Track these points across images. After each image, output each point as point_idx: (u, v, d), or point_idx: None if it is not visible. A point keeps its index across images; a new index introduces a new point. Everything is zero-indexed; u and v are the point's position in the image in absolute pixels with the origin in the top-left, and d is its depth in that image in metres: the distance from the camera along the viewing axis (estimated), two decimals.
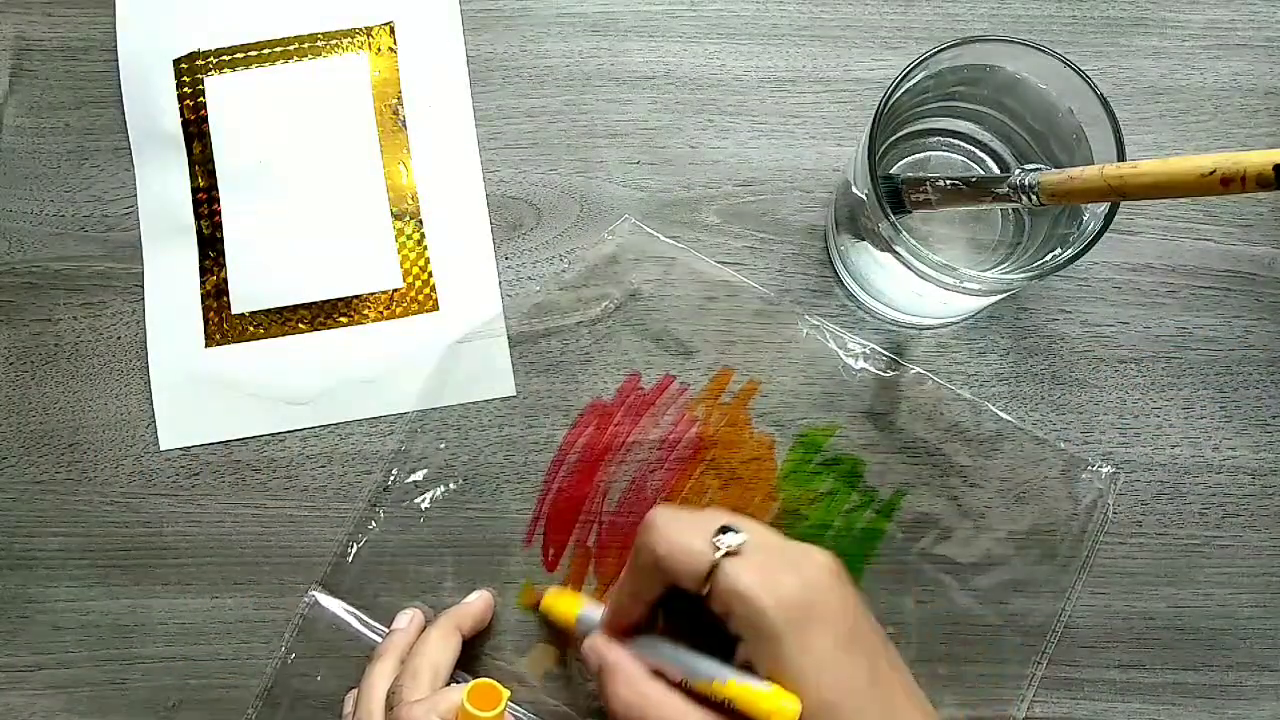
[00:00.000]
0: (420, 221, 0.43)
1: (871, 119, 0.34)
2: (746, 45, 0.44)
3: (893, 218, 0.33)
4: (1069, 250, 0.33)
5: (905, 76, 0.34)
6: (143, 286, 0.43)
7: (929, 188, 0.35)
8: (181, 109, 0.43)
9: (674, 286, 0.43)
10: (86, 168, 0.44)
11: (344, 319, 0.43)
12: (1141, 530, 0.42)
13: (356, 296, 0.43)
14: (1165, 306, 0.43)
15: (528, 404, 0.42)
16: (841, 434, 0.42)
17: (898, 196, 0.36)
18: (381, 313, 0.43)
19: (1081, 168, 0.31)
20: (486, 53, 0.44)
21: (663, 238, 0.43)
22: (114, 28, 0.44)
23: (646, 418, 0.42)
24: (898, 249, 0.34)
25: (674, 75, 0.44)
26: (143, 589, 0.42)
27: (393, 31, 0.44)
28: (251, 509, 0.42)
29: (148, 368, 0.43)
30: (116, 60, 0.44)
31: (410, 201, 0.43)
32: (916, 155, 0.40)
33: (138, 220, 0.44)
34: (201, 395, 0.42)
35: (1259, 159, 0.25)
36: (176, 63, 0.44)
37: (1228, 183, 0.26)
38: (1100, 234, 0.32)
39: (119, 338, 0.43)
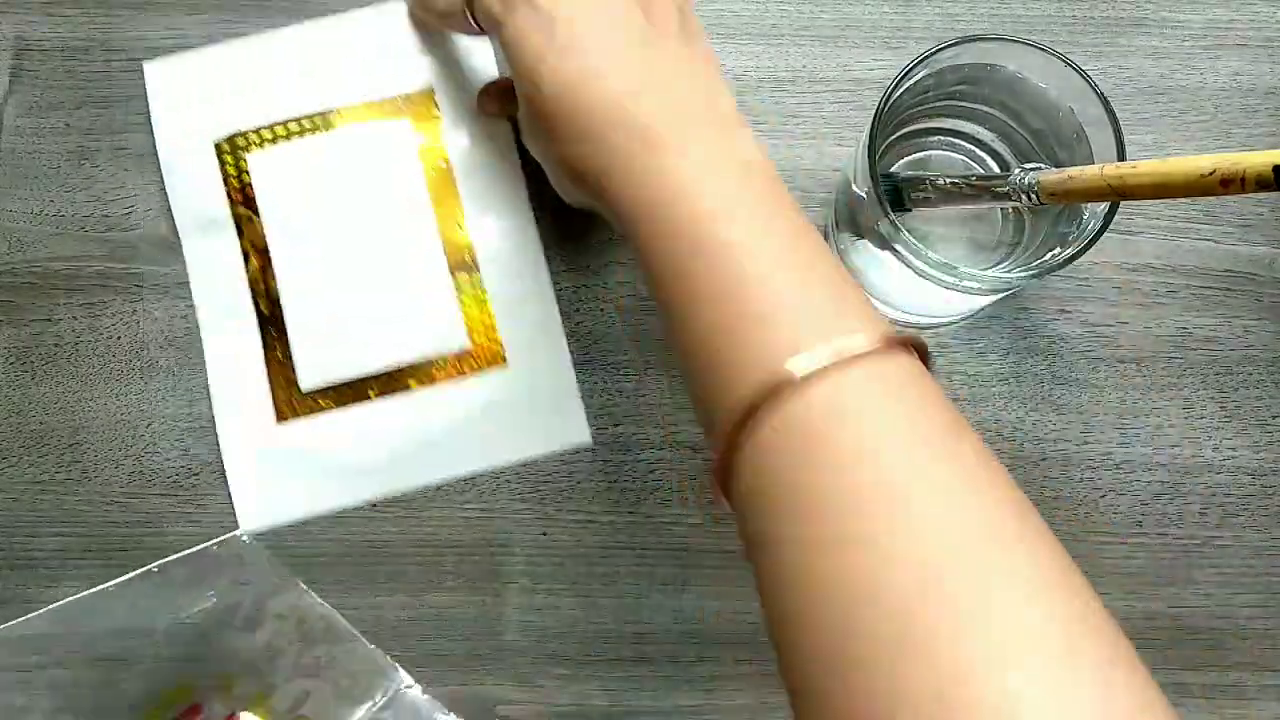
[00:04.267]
0: (480, 275, 0.42)
1: (872, 118, 0.34)
2: (746, 45, 0.44)
3: (893, 216, 0.33)
4: (1069, 250, 0.33)
5: (906, 75, 0.34)
6: (142, 288, 0.43)
7: (929, 186, 0.36)
8: (228, 190, 0.43)
9: None
10: (86, 168, 0.44)
11: (412, 382, 0.42)
12: (1141, 530, 0.42)
13: (423, 359, 0.42)
14: (1165, 306, 0.43)
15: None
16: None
17: (898, 195, 0.36)
18: (450, 373, 0.42)
19: (1081, 167, 0.31)
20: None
21: None
22: (114, 28, 0.44)
23: None
24: (897, 247, 0.34)
25: None
26: None
27: (433, 96, 0.43)
28: None
29: (147, 368, 0.43)
30: (117, 60, 0.44)
31: (468, 255, 0.42)
32: (917, 154, 0.40)
33: (137, 221, 0.44)
34: (277, 474, 0.41)
35: (1259, 159, 0.25)
36: (218, 145, 0.43)
37: (1227, 183, 0.26)
38: (1100, 234, 0.32)
39: (119, 338, 0.43)
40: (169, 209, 0.43)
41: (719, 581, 0.41)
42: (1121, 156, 0.32)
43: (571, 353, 0.42)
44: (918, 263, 0.34)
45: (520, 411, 0.42)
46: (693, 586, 0.41)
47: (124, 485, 0.42)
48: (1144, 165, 0.28)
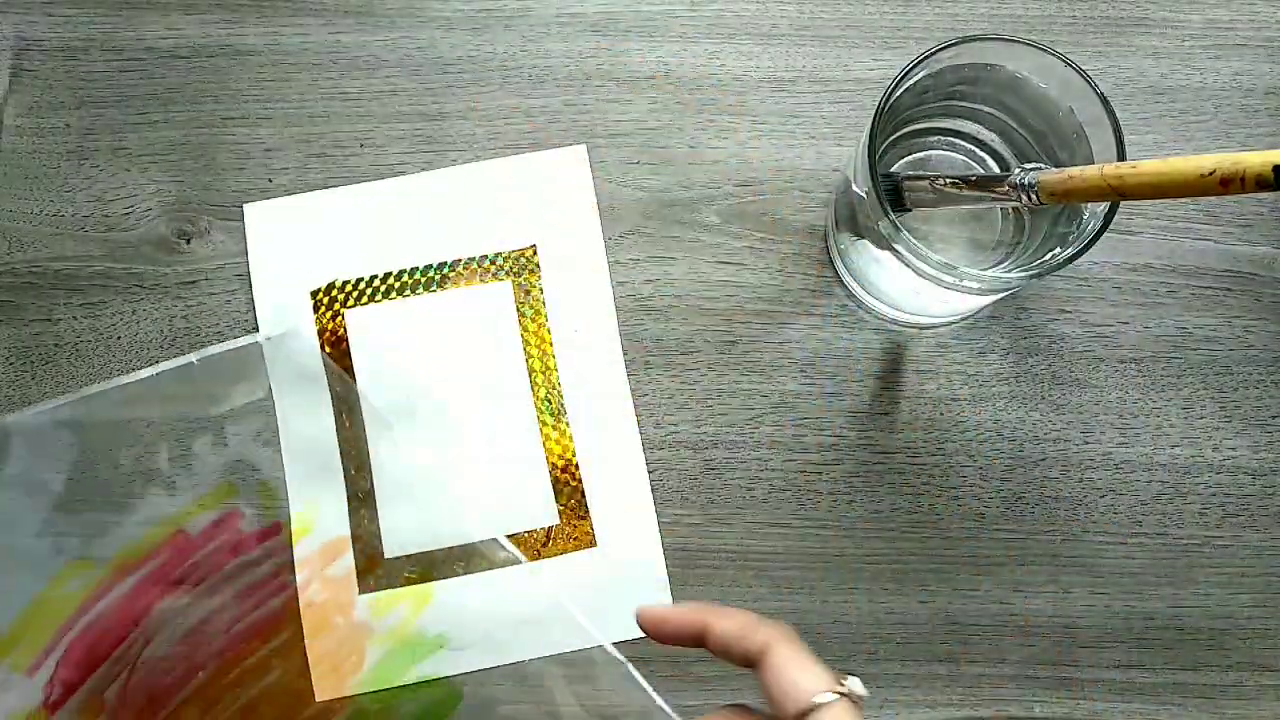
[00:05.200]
0: (575, 451, 0.42)
1: (872, 118, 0.34)
2: (746, 45, 0.44)
3: (893, 216, 0.33)
4: (1069, 249, 0.33)
5: (906, 75, 0.34)
6: (142, 288, 0.43)
7: (929, 186, 0.35)
8: (322, 342, 0.42)
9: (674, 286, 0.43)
10: (86, 168, 0.44)
11: (499, 559, 0.41)
12: (1141, 530, 0.42)
13: (512, 535, 0.41)
14: (1165, 306, 0.43)
15: None
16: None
17: (898, 195, 0.36)
18: (539, 551, 0.41)
19: (1081, 167, 0.31)
20: (486, 53, 0.44)
21: None
22: (114, 28, 0.44)
23: (236, 563, 0.36)
24: (897, 247, 0.34)
25: (674, 75, 0.44)
26: None
27: (535, 255, 0.43)
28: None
29: (148, 368, 0.43)
30: (117, 60, 0.44)
31: (563, 430, 0.42)
32: (917, 154, 0.40)
33: (137, 221, 0.44)
34: (359, 645, 0.40)
35: (1259, 159, 0.25)
36: (314, 294, 0.43)
37: (1227, 183, 0.26)
38: (1100, 234, 0.32)
39: (119, 338, 0.43)
40: (169, 209, 0.44)
41: (718, 581, 0.42)
42: (1121, 156, 0.32)
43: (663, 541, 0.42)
44: (918, 263, 0.34)
45: (608, 596, 0.41)
46: (692, 586, 0.41)
47: (124, 485, 0.42)
48: (1144, 165, 0.28)
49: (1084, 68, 0.33)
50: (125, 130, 0.44)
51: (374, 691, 0.40)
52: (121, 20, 0.45)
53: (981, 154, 0.39)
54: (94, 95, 0.44)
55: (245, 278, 0.43)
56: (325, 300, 0.43)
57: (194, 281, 0.43)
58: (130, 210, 0.44)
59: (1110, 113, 0.33)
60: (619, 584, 0.41)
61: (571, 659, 0.40)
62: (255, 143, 0.44)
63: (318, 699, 0.39)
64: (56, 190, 0.44)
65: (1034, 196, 0.32)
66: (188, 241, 0.44)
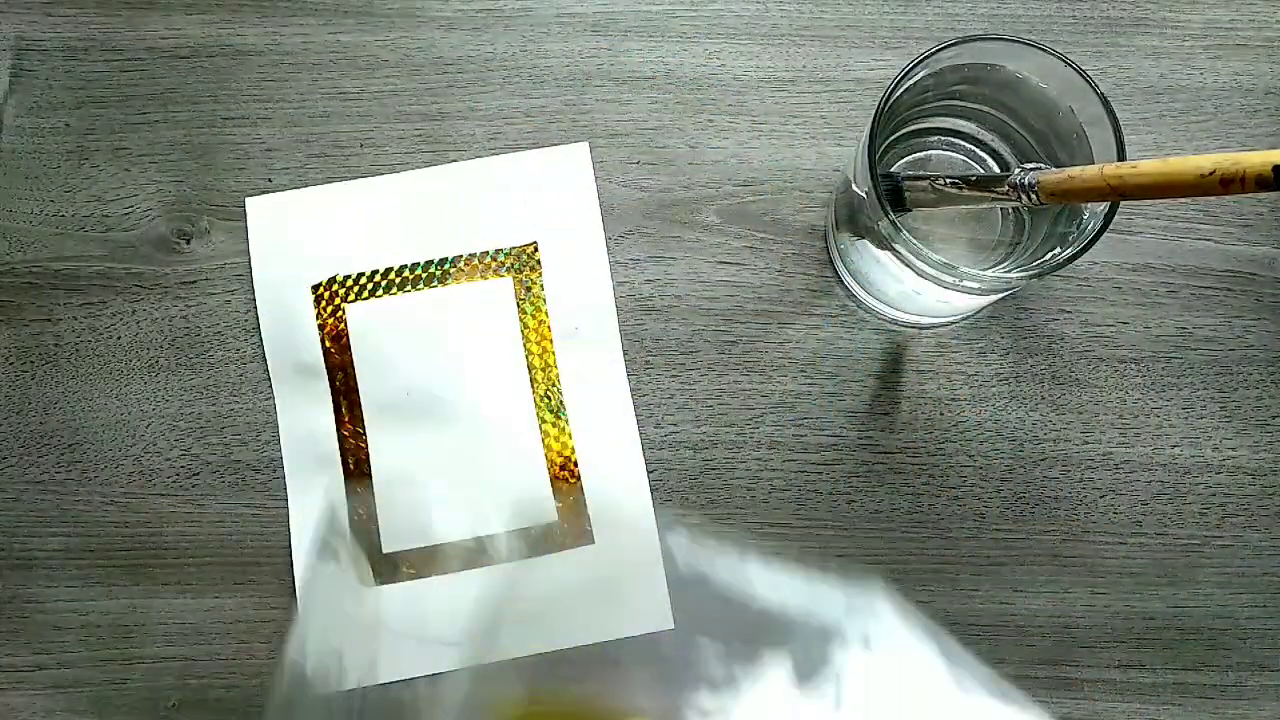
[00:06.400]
0: (574, 448, 0.42)
1: (872, 118, 0.34)
2: (746, 45, 0.44)
3: (892, 216, 0.33)
4: (1069, 249, 0.33)
5: (906, 75, 0.34)
6: (142, 288, 0.43)
7: (929, 186, 0.36)
8: (322, 336, 0.42)
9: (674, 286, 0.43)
10: (86, 168, 0.44)
11: (496, 555, 0.41)
12: (1141, 530, 0.42)
13: (510, 531, 0.41)
14: (1165, 306, 0.43)
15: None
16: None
17: (898, 195, 0.36)
18: (536, 548, 0.41)
19: (1081, 167, 0.31)
20: (486, 53, 0.44)
21: None
22: (114, 28, 0.44)
23: None
24: (897, 247, 0.34)
25: (674, 75, 0.44)
26: (143, 589, 0.42)
27: (537, 252, 0.42)
28: (252, 509, 0.42)
29: (148, 368, 0.43)
30: (117, 60, 0.44)
31: (563, 428, 0.42)
32: (917, 154, 0.40)
33: (137, 221, 0.44)
34: (356, 638, 0.41)
35: (1259, 159, 0.25)
36: (315, 289, 0.43)
37: (1227, 183, 0.26)
38: (1100, 234, 0.32)
39: (119, 338, 0.43)
40: (169, 209, 0.44)
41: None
42: (1121, 156, 0.32)
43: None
44: (918, 263, 0.34)
45: (605, 593, 0.41)
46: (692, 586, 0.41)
47: (124, 485, 0.42)
48: (1144, 165, 0.28)
49: (1084, 68, 0.33)
50: (125, 130, 0.44)
51: (370, 687, 0.40)
52: (121, 20, 0.45)
53: (981, 154, 0.39)
54: (94, 95, 0.44)
55: (245, 278, 0.43)
56: (326, 295, 0.42)
57: (194, 281, 0.43)
58: (130, 210, 0.44)
59: (1110, 113, 0.33)
60: (617, 583, 0.41)
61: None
62: (255, 142, 0.44)
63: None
64: (56, 190, 0.44)
65: (1034, 196, 0.32)
66: (188, 241, 0.44)
